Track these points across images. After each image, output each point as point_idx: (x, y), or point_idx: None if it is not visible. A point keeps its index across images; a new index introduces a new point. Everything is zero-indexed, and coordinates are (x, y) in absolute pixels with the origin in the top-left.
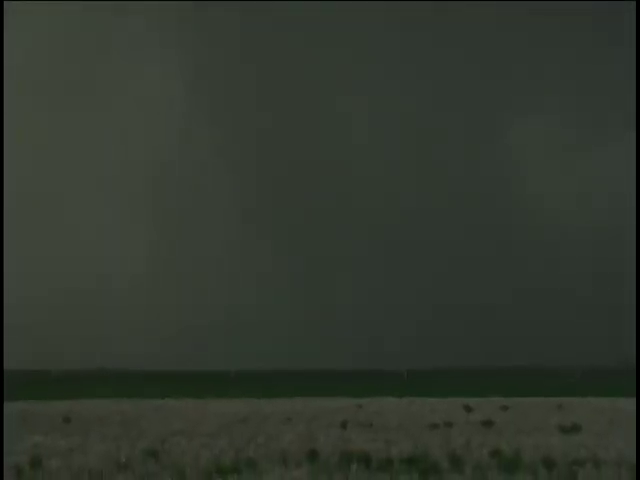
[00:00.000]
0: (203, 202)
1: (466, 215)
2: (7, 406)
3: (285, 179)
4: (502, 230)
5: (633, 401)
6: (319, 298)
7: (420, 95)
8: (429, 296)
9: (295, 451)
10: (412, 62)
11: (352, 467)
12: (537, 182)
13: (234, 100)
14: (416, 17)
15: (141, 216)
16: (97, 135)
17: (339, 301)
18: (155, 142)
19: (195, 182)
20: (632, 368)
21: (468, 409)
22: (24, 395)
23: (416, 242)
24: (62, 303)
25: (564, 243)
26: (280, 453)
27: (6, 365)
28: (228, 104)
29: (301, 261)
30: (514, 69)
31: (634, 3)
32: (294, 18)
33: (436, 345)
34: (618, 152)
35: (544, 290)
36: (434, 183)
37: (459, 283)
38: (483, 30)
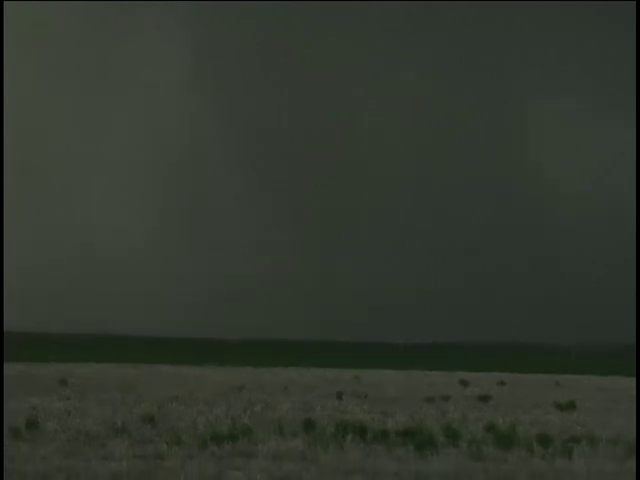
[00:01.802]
0: (208, 182)
1: (479, 197)
2: (5, 367)
3: (287, 175)
4: (508, 209)
5: (630, 380)
6: (319, 269)
7: (436, 79)
8: (431, 270)
9: (291, 420)
10: (427, 47)
11: (348, 438)
12: (553, 165)
13: (238, 92)
14: (422, 12)
15: (146, 195)
16: (100, 130)
17: (339, 272)
18: (157, 134)
19: (198, 179)
20: (630, 347)
21: (465, 384)
22: (22, 357)
23: (423, 218)
24: (65, 270)
25: (569, 224)
26: (276, 422)
27: (5, 327)
28: (232, 96)
29: (301, 232)
30: (530, 54)
31: (634, 3)
32: (297, 15)
33: (435, 319)
34: (632, 136)
35: (545, 268)
36: (448, 166)
37: (462, 259)
38: (500, 14)
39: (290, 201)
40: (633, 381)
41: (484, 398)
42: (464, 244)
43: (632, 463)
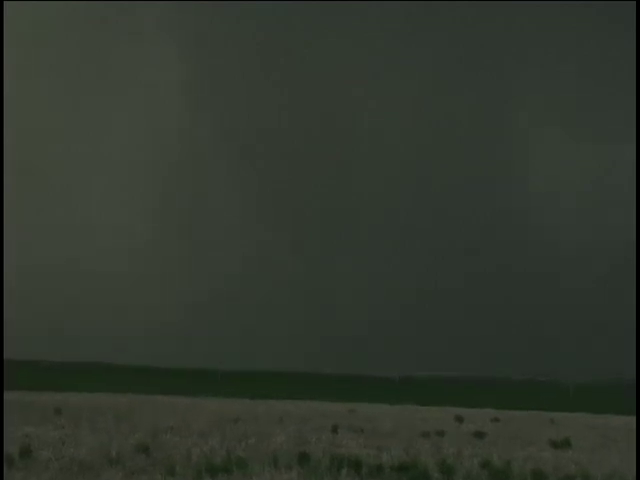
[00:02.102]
0: (205, 200)
1: (471, 219)
2: None
3: (287, 175)
4: (502, 237)
5: (625, 418)
6: (315, 300)
7: (436, 79)
8: (425, 304)
9: (286, 453)
10: (427, 47)
11: (342, 472)
12: (554, 164)
13: (237, 92)
14: (422, 12)
15: (141, 212)
16: (97, 136)
17: (336, 304)
18: (157, 134)
19: (198, 179)
20: (627, 385)
21: (460, 419)
22: (16, 385)
23: (423, 218)
24: (58, 296)
25: (565, 254)
26: (271, 454)
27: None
28: (232, 96)
29: (300, 261)
30: (530, 54)
31: (634, 3)
32: (297, 15)
33: (430, 353)
34: (632, 136)
35: (540, 302)
36: (448, 166)
37: (455, 294)
38: (500, 14)
39: (290, 201)
40: (629, 419)
41: (479, 434)
42: (458, 278)
43: None
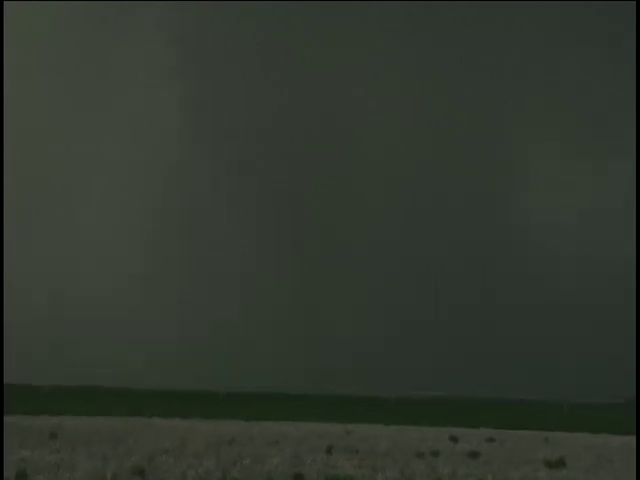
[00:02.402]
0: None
1: (478, 196)
2: None
3: (287, 175)
4: (499, 255)
5: (623, 438)
6: (312, 321)
7: (436, 79)
8: (421, 325)
9: (281, 474)
10: (427, 47)
11: None
12: (554, 163)
13: (237, 92)
14: (422, 12)
15: (146, 195)
16: (96, 136)
17: (332, 326)
18: (154, 143)
19: (198, 179)
20: (626, 403)
21: (454, 439)
22: (11, 409)
23: (415, 247)
24: (57, 302)
25: (562, 272)
26: (266, 475)
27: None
28: (229, 104)
29: (298, 281)
30: (530, 54)
31: (634, 3)
32: (297, 15)
33: (425, 373)
34: (632, 135)
35: (535, 322)
36: (448, 166)
37: (449, 314)
38: (500, 14)
39: (290, 201)
40: (626, 439)
41: (474, 454)
42: (452, 299)
43: None
